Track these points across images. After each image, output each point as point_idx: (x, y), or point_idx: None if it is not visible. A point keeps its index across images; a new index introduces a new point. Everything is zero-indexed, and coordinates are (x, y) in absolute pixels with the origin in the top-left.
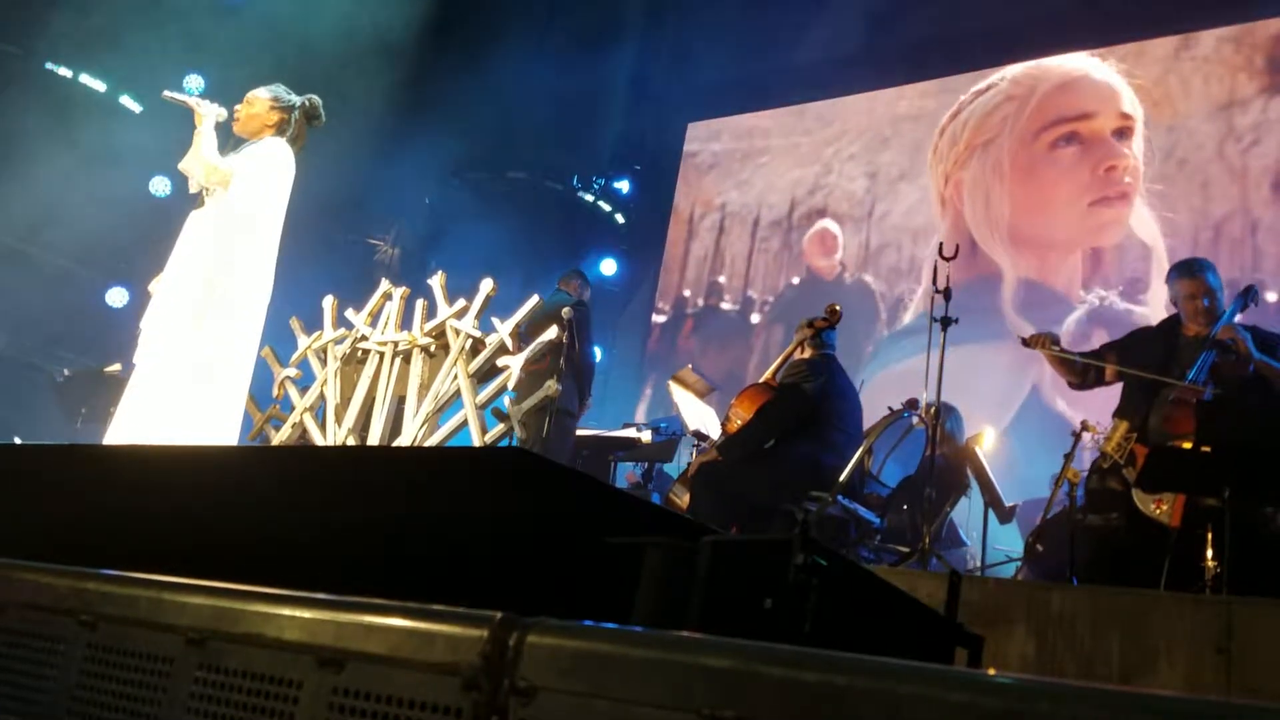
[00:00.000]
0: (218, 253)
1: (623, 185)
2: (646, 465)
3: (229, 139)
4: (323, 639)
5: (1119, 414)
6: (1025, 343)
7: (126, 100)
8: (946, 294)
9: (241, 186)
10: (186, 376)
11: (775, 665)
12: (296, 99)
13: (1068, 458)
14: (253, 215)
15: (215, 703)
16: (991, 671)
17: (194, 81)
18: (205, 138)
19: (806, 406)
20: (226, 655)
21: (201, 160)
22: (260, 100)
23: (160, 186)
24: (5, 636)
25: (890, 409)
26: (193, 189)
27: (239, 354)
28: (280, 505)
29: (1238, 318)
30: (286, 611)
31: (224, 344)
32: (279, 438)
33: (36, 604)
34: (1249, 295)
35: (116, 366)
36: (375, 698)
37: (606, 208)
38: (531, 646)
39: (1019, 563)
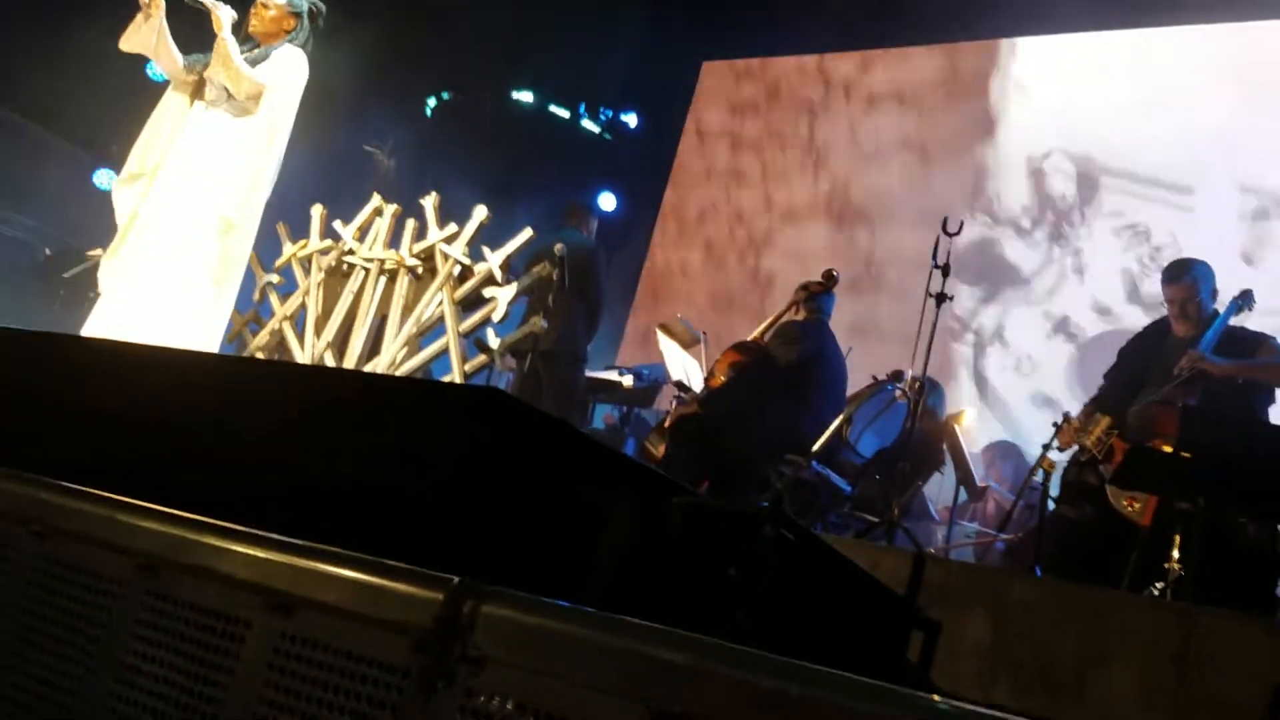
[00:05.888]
0: (242, 166)
1: (630, 119)
2: (625, 409)
3: (240, 38)
4: (275, 582)
5: (1101, 408)
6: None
7: None
8: (945, 270)
9: (270, 102)
10: (192, 278)
11: (730, 666)
12: (304, 2)
13: (1045, 447)
14: (276, 127)
15: (161, 631)
16: (936, 698)
17: None
18: (232, 45)
19: (791, 369)
20: (176, 585)
21: (234, 70)
22: (276, 4)
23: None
24: None
25: (875, 378)
26: (210, 96)
27: (240, 260)
28: (241, 422)
29: (1233, 320)
30: (240, 549)
31: (234, 249)
32: (255, 343)
33: None
34: (1244, 300)
35: (99, 251)
36: (323, 647)
37: (611, 140)
38: (486, 616)
39: (985, 541)
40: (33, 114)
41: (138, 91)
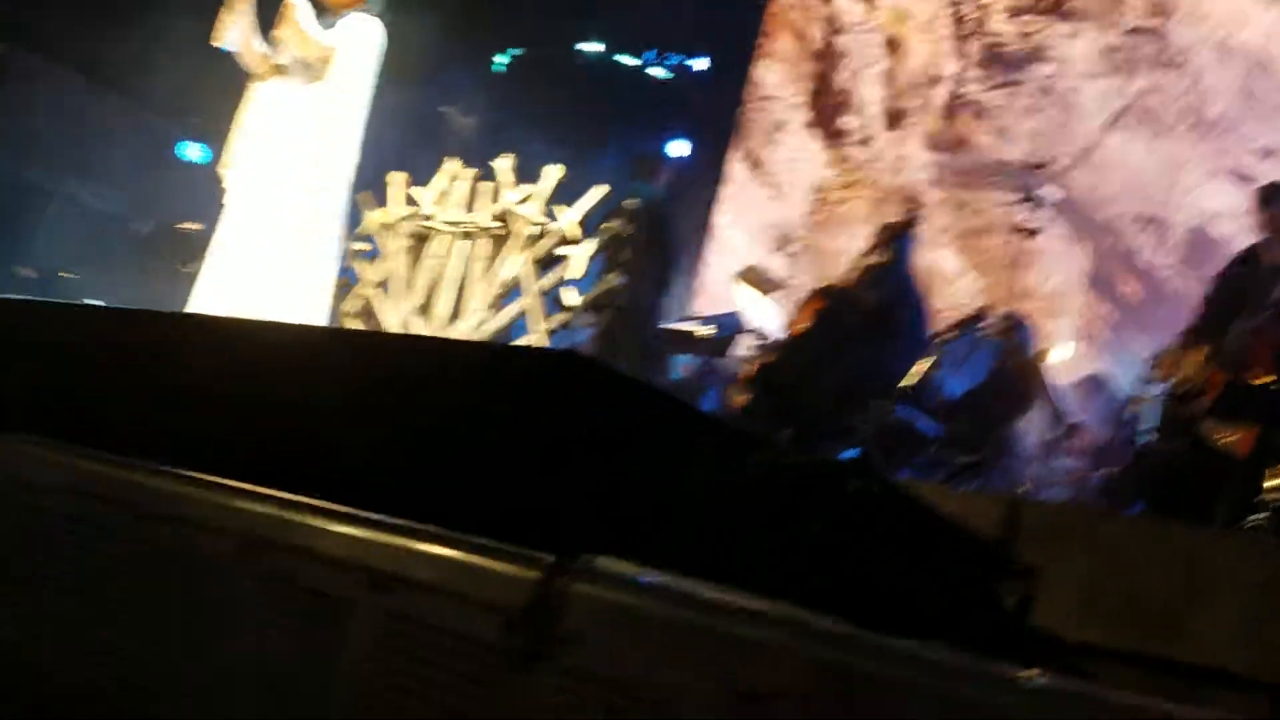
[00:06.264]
0: (322, 133)
1: (699, 64)
2: (704, 360)
3: (315, 7)
4: (374, 560)
5: (1197, 338)
6: None
7: None
8: (1032, 202)
9: (344, 67)
10: (286, 251)
11: (818, 644)
12: None
13: (1141, 381)
14: (353, 98)
15: (266, 610)
16: (1027, 674)
17: None
18: (302, 9)
19: (873, 312)
20: (278, 565)
21: (302, 33)
22: None
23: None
24: (61, 521)
25: (959, 316)
26: (278, 59)
27: (334, 231)
28: (328, 395)
29: None
30: (339, 528)
31: (323, 221)
32: (344, 308)
33: (93, 493)
34: None
35: (198, 225)
36: (423, 625)
37: (681, 85)
38: (578, 594)
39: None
40: (116, 84)
41: (220, 60)
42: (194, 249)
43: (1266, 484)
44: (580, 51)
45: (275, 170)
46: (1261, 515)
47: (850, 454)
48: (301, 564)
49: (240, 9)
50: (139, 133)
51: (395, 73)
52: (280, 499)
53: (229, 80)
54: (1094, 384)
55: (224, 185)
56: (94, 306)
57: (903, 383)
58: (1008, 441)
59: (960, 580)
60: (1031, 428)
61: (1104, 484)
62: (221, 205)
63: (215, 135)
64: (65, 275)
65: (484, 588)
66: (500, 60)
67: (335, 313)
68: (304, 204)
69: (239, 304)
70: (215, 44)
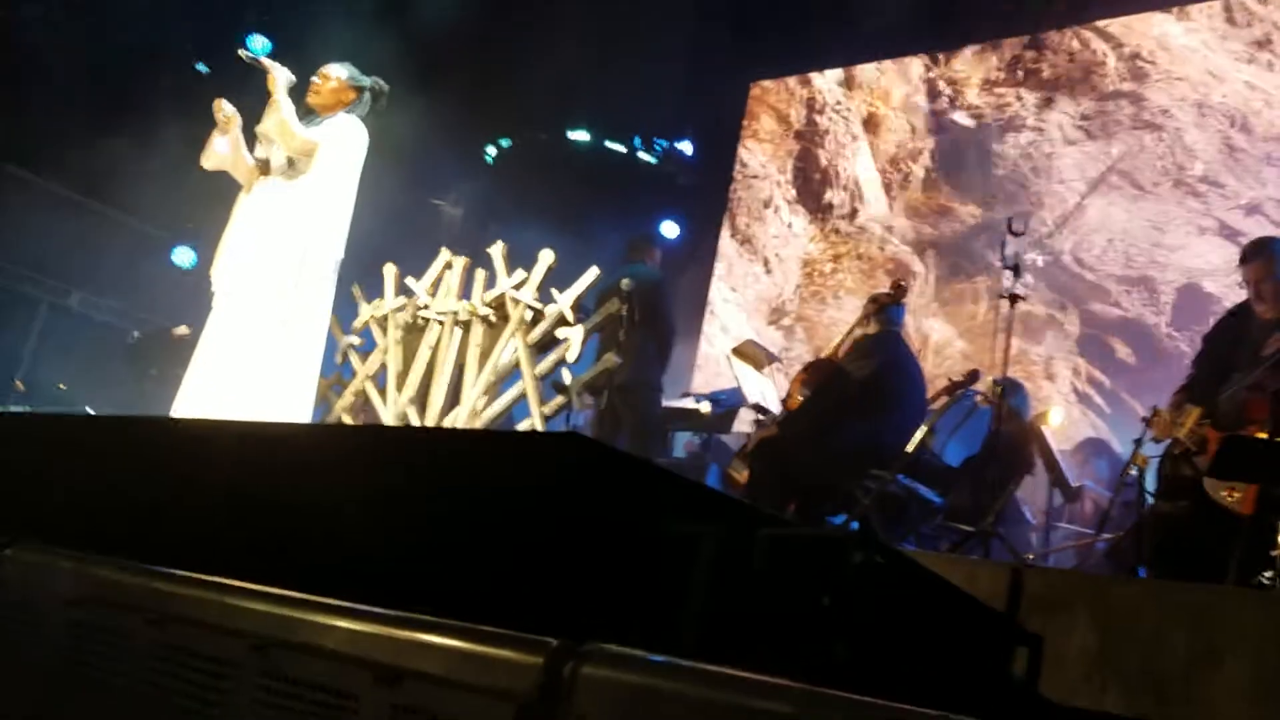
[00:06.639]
0: (304, 226)
1: (685, 147)
2: (705, 435)
3: (298, 108)
4: (379, 654)
5: (1191, 398)
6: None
7: None
8: (1015, 270)
9: (326, 160)
10: (271, 348)
11: (832, 713)
12: (367, 79)
13: (1137, 443)
14: (337, 191)
15: (276, 710)
16: None
17: (259, 41)
18: (285, 103)
19: (867, 383)
20: (288, 663)
21: (284, 125)
22: (338, 78)
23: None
24: (78, 630)
25: (950, 380)
26: (260, 154)
27: (317, 326)
28: (328, 492)
29: None
30: (344, 624)
31: (306, 316)
32: (340, 405)
33: (108, 600)
34: None
35: (185, 329)
36: (430, 716)
37: (668, 169)
38: (586, 677)
39: (1085, 543)
40: (110, 198)
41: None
42: (185, 353)
43: (1277, 540)
44: (568, 139)
45: (258, 268)
46: (1269, 573)
47: (853, 526)
48: (307, 661)
49: (228, 130)
50: (130, 241)
51: (385, 166)
52: (288, 598)
53: (219, 185)
54: (1092, 447)
55: (211, 288)
56: (88, 415)
57: (904, 451)
58: (1010, 509)
59: (969, 650)
60: (1033, 494)
61: (1108, 548)
62: (209, 308)
63: (208, 240)
64: (60, 387)
65: (490, 675)
66: (490, 152)
67: (328, 408)
68: (287, 300)
69: (220, 404)
70: (205, 167)
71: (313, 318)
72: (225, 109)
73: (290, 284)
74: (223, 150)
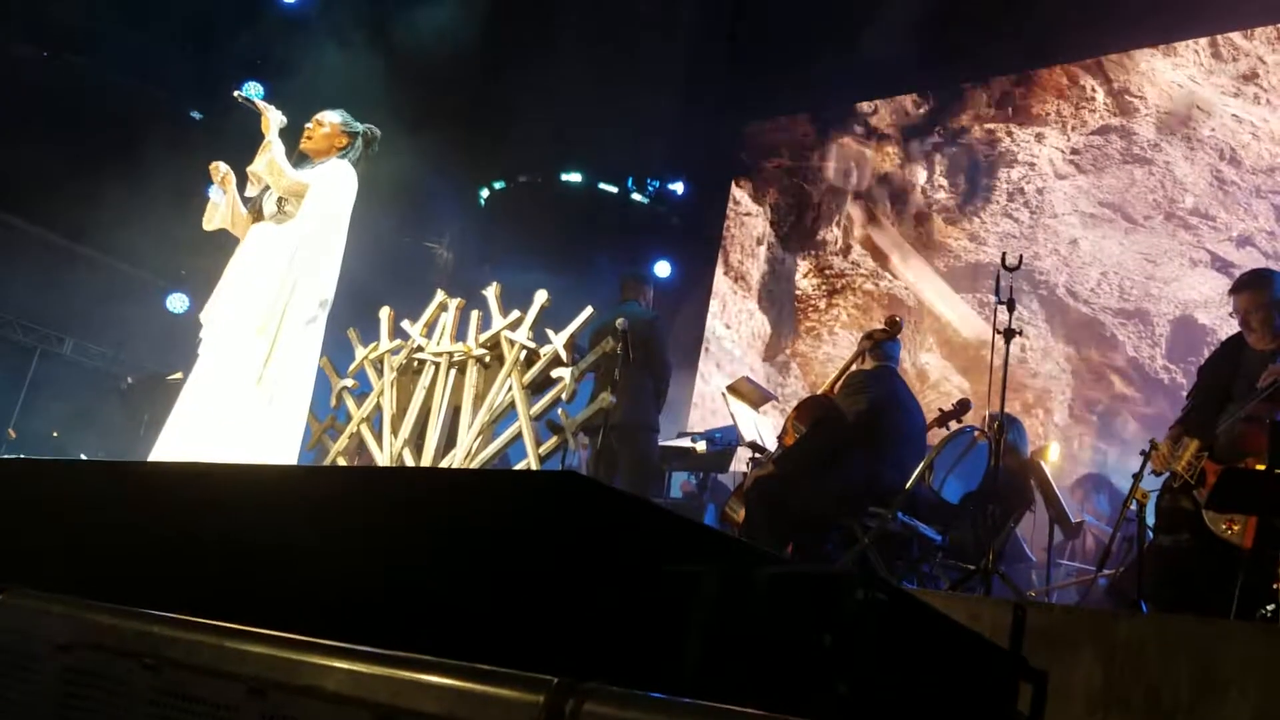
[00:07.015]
0: (289, 266)
1: (677, 187)
2: (701, 475)
3: (292, 153)
4: (378, 695)
5: (1188, 431)
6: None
7: None
8: (1010, 305)
9: (315, 203)
10: (253, 390)
11: None
12: (360, 125)
13: (1136, 477)
14: (325, 233)
15: None
16: None
17: (253, 88)
18: (276, 143)
19: (865, 420)
20: (287, 706)
21: (274, 165)
22: (331, 123)
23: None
24: (71, 676)
25: (941, 410)
26: (250, 193)
27: (306, 368)
28: (323, 533)
29: None
30: (342, 665)
31: (294, 358)
32: (336, 448)
33: (102, 644)
34: None
35: (179, 374)
36: None
37: (661, 209)
38: (588, 714)
39: (1087, 579)
40: (102, 245)
41: (201, 213)
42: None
43: (1278, 572)
44: (561, 181)
45: (244, 309)
46: (1271, 606)
47: (853, 563)
48: (306, 703)
49: (225, 190)
50: (123, 287)
51: (380, 209)
52: (285, 639)
53: (213, 231)
54: (1092, 482)
55: (201, 334)
56: (79, 460)
57: (903, 488)
58: (1011, 546)
59: (973, 686)
60: (1032, 531)
61: (1110, 583)
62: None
63: (201, 286)
64: (55, 435)
65: (491, 714)
66: (483, 195)
67: (323, 451)
68: (271, 340)
69: (201, 446)
70: (207, 229)
71: (299, 358)
72: (221, 169)
73: (274, 325)
74: (222, 209)
